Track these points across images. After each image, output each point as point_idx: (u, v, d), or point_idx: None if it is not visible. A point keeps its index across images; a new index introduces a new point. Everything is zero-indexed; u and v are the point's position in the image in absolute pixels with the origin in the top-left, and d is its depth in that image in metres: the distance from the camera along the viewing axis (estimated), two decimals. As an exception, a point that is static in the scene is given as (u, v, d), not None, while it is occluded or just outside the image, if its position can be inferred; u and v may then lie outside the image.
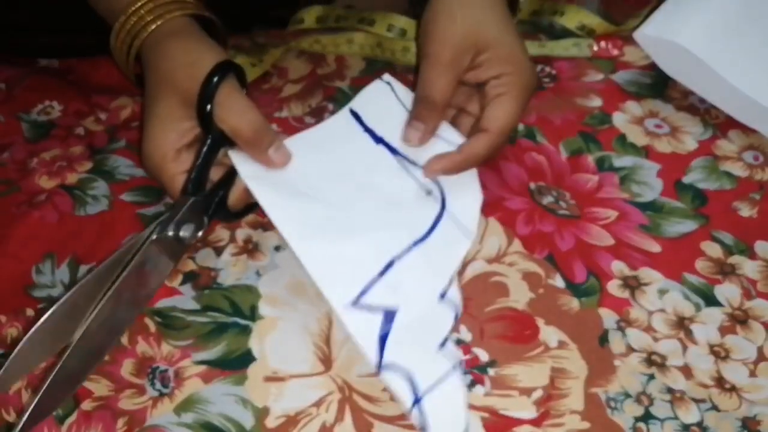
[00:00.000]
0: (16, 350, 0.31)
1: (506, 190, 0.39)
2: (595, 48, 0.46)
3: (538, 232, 0.38)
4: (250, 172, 0.35)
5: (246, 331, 0.34)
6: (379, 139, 0.37)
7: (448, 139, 0.37)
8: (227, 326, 0.34)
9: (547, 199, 0.39)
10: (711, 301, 0.35)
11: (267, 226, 0.38)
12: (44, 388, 0.29)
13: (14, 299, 0.36)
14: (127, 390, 0.33)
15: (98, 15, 0.39)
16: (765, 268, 0.36)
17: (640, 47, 0.45)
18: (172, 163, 0.35)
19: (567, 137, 0.42)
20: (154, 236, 0.33)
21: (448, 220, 0.35)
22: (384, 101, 0.38)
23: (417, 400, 0.30)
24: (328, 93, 0.45)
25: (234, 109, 0.34)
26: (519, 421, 0.31)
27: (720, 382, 0.32)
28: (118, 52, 0.38)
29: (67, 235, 0.38)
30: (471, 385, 0.32)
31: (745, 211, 0.39)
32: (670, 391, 0.32)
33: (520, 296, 0.35)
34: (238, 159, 0.35)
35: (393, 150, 0.37)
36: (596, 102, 0.44)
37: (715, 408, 0.32)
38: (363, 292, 0.33)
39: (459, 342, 0.34)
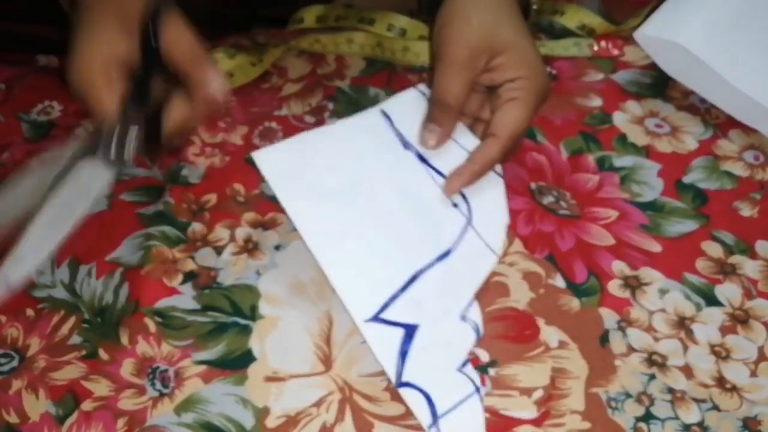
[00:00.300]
0: None
1: (507, 190, 0.39)
2: (596, 48, 0.46)
3: (538, 231, 0.37)
4: (273, 172, 0.34)
5: (246, 330, 0.34)
6: (408, 144, 0.36)
7: (465, 145, 0.36)
8: (227, 326, 0.34)
9: (548, 199, 0.39)
10: (712, 300, 0.35)
11: (267, 225, 0.38)
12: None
13: (14, 299, 0.35)
14: (127, 390, 0.33)
15: None
16: (766, 268, 0.36)
17: (640, 47, 0.45)
18: (103, 79, 0.32)
19: (567, 137, 0.42)
20: (86, 157, 0.32)
21: (473, 235, 0.35)
22: (416, 109, 0.37)
23: (435, 421, 0.30)
24: (328, 93, 0.45)
25: (179, 34, 0.33)
26: (520, 421, 0.31)
27: (721, 382, 0.32)
28: None
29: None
30: (471, 385, 0.32)
31: (746, 210, 0.38)
32: (670, 391, 0.32)
33: (520, 296, 0.35)
34: (263, 159, 0.34)
35: (421, 158, 0.36)
36: (596, 102, 0.44)
37: (715, 408, 0.32)
38: (385, 306, 0.32)
39: (459, 342, 0.34)
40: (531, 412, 0.31)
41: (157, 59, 0.33)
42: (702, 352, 0.33)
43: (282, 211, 0.38)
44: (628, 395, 0.32)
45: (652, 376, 0.33)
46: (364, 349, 0.33)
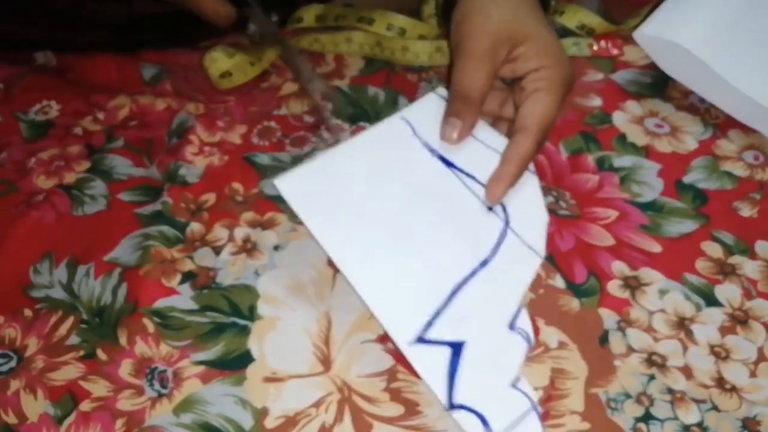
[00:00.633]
0: None
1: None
2: (595, 47, 0.46)
3: (538, 232, 0.37)
4: (299, 200, 0.33)
5: (245, 331, 0.34)
6: (433, 151, 0.35)
7: (492, 144, 0.35)
8: (226, 326, 0.34)
9: (548, 199, 0.39)
10: (711, 301, 0.35)
11: (266, 225, 0.38)
12: None
13: (12, 299, 0.36)
14: (125, 391, 0.32)
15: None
16: (765, 268, 0.36)
17: (640, 47, 0.45)
18: None
19: (567, 137, 0.42)
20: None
21: (512, 237, 0.34)
22: (437, 114, 0.35)
23: None
24: (328, 92, 0.45)
25: None
26: (519, 422, 0.31)
27: (720, 382, 0.32)
28: None
29: (65, 235, 0.38)
30: (471, 385, 0.32)
31: (746, 211, 0.38)
32: (670, 391, 0.32)
33: (520, 296, 0.35)
34: (286, 187, 0.33)
35: (448, 163, 0.35)
36: (596, 102, 0.43)
37: (715, 408, 0.32)
38: (428, 326, 0.31)
39: (459, 342, 0.33)
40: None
41: None
42: (702, 352, 0.33)
43: (281, 210, 0.38)
44: (627, 396, 0.32)
45: (652, 377, 0.32)
46: (363, 350, 0.33)
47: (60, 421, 0.32)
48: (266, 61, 0.46)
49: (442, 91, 0.36)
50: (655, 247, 0.37)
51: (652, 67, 0.45)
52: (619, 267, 0.36)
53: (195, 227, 0.38)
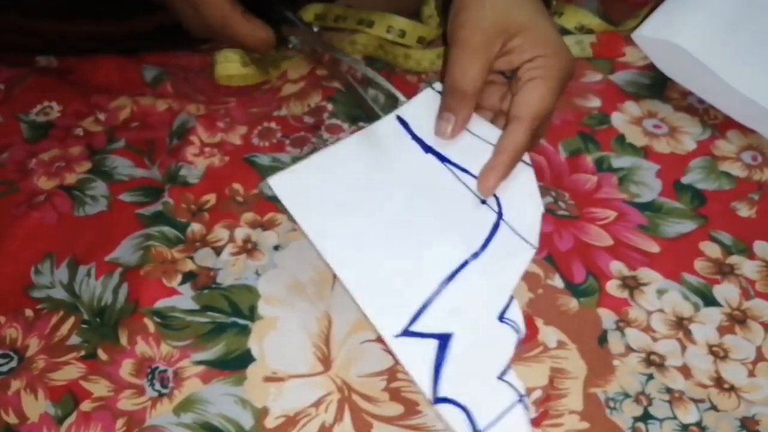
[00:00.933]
0: None
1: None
2: (595, 41, 0.46)
3: (537, 232, 0.38)
4: (291, 198, 0.33)
5: (245, 331, 0.34)
6: (428, 148, 0.35)
7: (488, 137, 0.35)
8: (226, 326, 0.34)
9: (546, 200, 0.39)
10: (710, 301, 0.35)
11: (266, 225, 0.38)
12: None
13: (13, 300, 0.36)
14: (126, 390, 0.33)
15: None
16: (764, 268, 0.36)
17: (638, 47, 0.45)
18: (237, 13, 0.40)
19: (566, 137, 0.42)
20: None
21: (505, 229, 0.33)
22: (433, 110, 0.35)
23: None
24: (327, 93, 0.45)
25: None
26: (518, 421, 0.31)
27: (719, 382, 0.33)
28: None
29: (66, 235, 0.38)
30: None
31: (744, 211, 0.39)
32: (669, 391, 0.32)
33: (519, 296, 0.35)
34: (279, 185, 0.34)
35: (443, 158, 0.35)
36: (595, 102, 0.44)
37: (713, 408, 0.32)
38: (415, 318, 0.31)
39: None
40: (529, 412, 0.31)
41: None
42: (700, 352, 0.33)
43: (281, 211, 0.39)
44: (626, 395, 0.32)
45: (651, 376, 0.33)
46: (363, 350, 0.33)
47: (61, 421, 0.32)
48: (273, 75, 0.46)
49: (438, 86, 0.36)
50: (654, 248, 0.37)
51: (651, 68, 0.45)
52: (617, 267, 0.36)
53: (195, 228, 0.38)
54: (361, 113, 0.44)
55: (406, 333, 0.31)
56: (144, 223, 0.39)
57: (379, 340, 0.33)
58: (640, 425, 0.31)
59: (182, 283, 0.36)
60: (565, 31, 0.47)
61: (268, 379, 0.33)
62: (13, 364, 0.34)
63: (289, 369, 0.33)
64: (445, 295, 0.32)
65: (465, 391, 0.30)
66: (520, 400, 0.30)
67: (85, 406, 0.32)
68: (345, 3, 0.49)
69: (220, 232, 0.38)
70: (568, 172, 0.40)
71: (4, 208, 0.39)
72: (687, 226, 0.38)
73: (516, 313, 0.32)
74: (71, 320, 0.35)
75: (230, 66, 0.45)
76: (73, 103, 0.45)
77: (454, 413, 0.29)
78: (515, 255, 0.33)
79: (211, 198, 0.40)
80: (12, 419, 0.32)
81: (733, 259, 0.37)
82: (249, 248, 0.37)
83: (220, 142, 0.42)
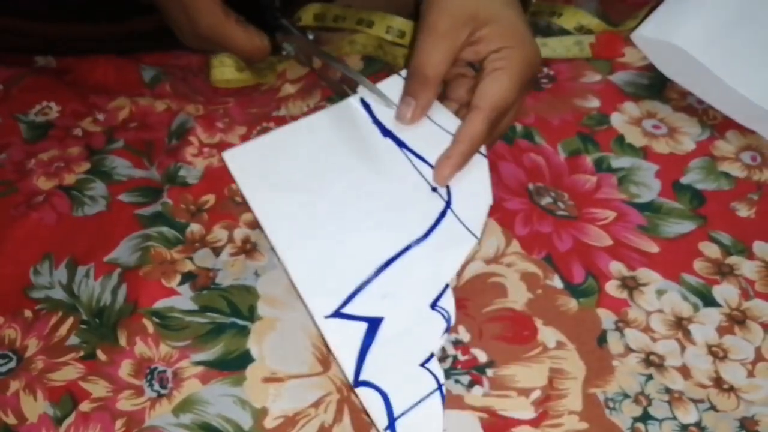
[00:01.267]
0: None
1: (505, 191, 0.39)
2: (594, 42, 0.46)
3: (536, 232, 0.38)
4: (241, 171, 0.34)
5: (244, 331, 0.34)
6: (386, 132, 0.35)
7: (448, 127, 0.35)
8: (225, 327, 0.34)
9: (546, 200, 0.39)
10: (709, 301, 0.35)
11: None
12: None
13: (12, 300, 0.36)
14: (125, 391, 0.33)
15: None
16: (763, 269, 0.36)
17: (637, 48, 0.45)
18: (231, 21, 0.38)
19: (565, 138, 0.42)
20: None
21: (451, 218, 0.34)
22: (397, 95, 0.35)
23: (391, 423, 0.29)
24: (326, 93, 0.45)
25: None
26: (517, 422, 0.31)
27: (718, 382, 0.33)
28: None
29: (65, 236, 0.38)
30: (469, 385, 0.32)
31: (743, 211, 0.39)
32: (668, 391, 0.32)
33: (518, 297, 0.35)
34: (232, 159, 0.34)
35: (400, 143, 0.35)
36: (594, 103, 0.44)
37: (713, 408, 0.32)
38: (347, 301, 0.31)
39: (457, 342, 0.34)
40: (529, 413, 0.31)
41: None
42: (699, 352, 0.33)
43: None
44: (625, 395, 0.32)
45: (650, 377, 0.33)
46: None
47: (60, 421, 0.32)
48: (270, 78, 0.46)
49: (405, 72, 0.36)
50: (653, 248, 0.37)
51: (650, 69, 0.45)
52: (617, 267, 0.36)
53: (195, 228, 0.38)
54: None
55: (337, 314, 0.31)
56: (143, 223, 0.39)
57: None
58: (640, 425, 0.31)
59: (181, 283, 0.36)
60: (564, 32, 0.47)
61: (268, 380, 0.33)
62: (12, 364, 0.34)
63: (289, 369, 0.33)
64: (381, 278, 0.32)
65: (387, 376, 0.30)
66: (438, 388, 0.30)
67: (84, 406, 0.32)
68: (344, 3, 0.49)
69: (219, 233, 0.38)
70: (567, 172, 0.40)
71: (3, 208, 0.39)
72: (686, 226, 0.38)
73: (449, 302, 0.32)
74: (70, 321, 0.35)
75: (226, 70, 0.45)
76: (72, 103, 0.45)
77: (373, 398, 0.29)
78: (457, 244, 0.33)
79: (210, 198, 0.40)
80: (11, 420, 0.32)
81: (733, 260, 0.37)
82: (248, 249, 0.37)
83: (219, 143, 0.42)
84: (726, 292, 0.35)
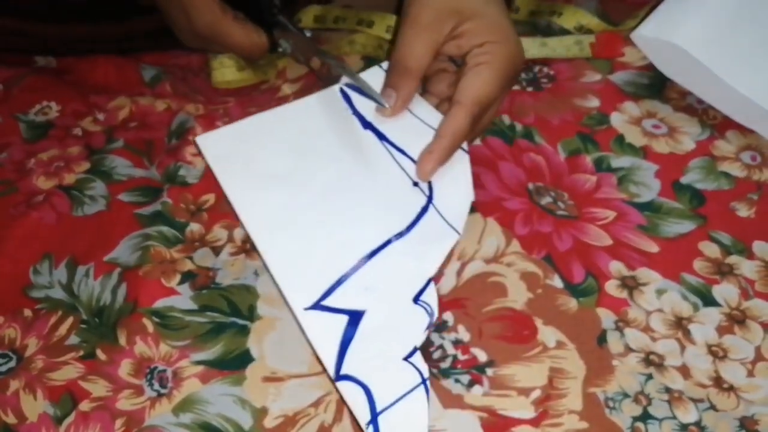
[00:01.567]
0: None
1: (504, 191, 0.39)
2: (594, 41, 0.46)
3: (536, 232, 0.38)
4: (215, 157, 0.33)
5: (244, 331, 0.34)
6: (367, 124, 0.35)
7: (430, 122, 0.34)
8: (225, 326, 0.34)
9: (546, 200, 0.39)
10: (709, 301, 0.35)
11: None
12: None
13: (12, 300, 0.36)
14: (125, 390, 0.33)
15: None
16: (763, 268, 0.36)
17: (637, 48, 0.45)
18: (228, 18, 0.38)
19: (565, 138, 0.42)
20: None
21: (433, 213, 0.33)
22: (378, 87, 0.35)
23: (373, 418, 0.29)
24: (327, 93, 0.45)
25: None
26: (517, 421, 0.31)
27: (718, 381, 0.33)
28: None
29: (65, 235, 0.38)
30: (469, 385, 0.32)
31: (743, 211, 0.39)
32: (668, 390, 0.32)
33: (518, 296, 0.35)
34: (206, 144, 0.33)
35: (381, 136, 0.34)
36: (594, 102, 0.44)
37: (713, 408, 0.32)
38: (328, 293, 0.31)
39: (457, 342, 0.34)
40: (529, 412, 0.31)
41: None
42: (699, 352, 0.33)
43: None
44: (625, 395, 0.32)
45: (650, 376, 0.33)
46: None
47: (59, 421, 0.32)
48: (271, 74, 0.47)
49: (386, 64, 0.36)
50: (653, 247, 0.37)
51: (650, 68, 0.45)
52: (616, 267, 0.36)
53: (194, 228, 0.38)
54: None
55: (317, 306, 0.30)
56: (143, 223, 0.39)
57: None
58: (640, 425, 0.31)
59: (181, 283, 0.36)
60: (564, 31, 0.47)
61: (267, 379, 0.33)
62: (12, 364, 0.34)
63: (289, 369, 0.33)
64: (363, 271, 0.31)
65: (369, 370, 0.29)
66: (423, 383, 0.29)
67: (84, 406, 0.32)
68: (344, 4, 0.49)
69: (219, 232, 0.38)
70: (567, 172, 0.40)
71: (3, 208, 0.39)
72: (686, 226, 0.38)
73: (431, 297, 0.32)
74: (70, 320, 0.35)
75: (227, 71, 0.45)
76: (72, 103, 0.45)
77: (354, 392, 0.29)
78: (439, 239, 0.33)
79: (210, 198, 0.40)
80: (11, 419, 0.32)
81: (732, 259, 0.37)
82: (248, 248, 0.37)
83: (219, 142, 0.42)
84: (726, 291, 0.35)
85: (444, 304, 0.35)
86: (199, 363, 0.33)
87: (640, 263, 0.36)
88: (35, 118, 0.44)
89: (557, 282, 0.36)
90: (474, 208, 0.38)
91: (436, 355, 0.33)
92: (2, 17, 0.46)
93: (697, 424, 0.31)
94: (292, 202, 0.33)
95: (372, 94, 0.35)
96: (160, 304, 0.35)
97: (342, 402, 0.32)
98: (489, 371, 0.33)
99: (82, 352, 0.34)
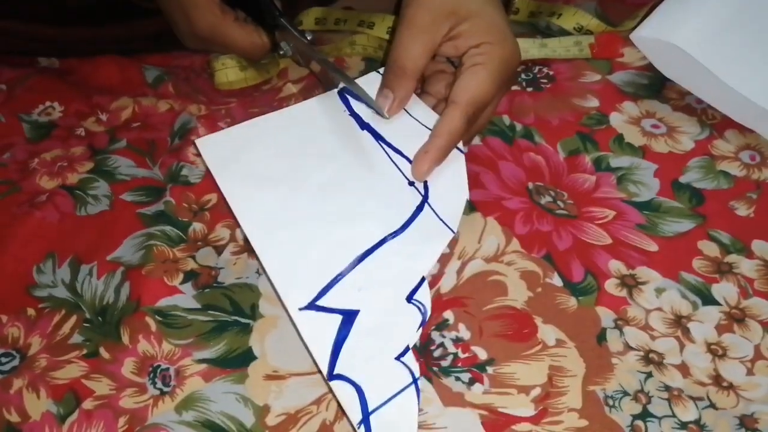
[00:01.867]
0: None
1: (504, 190, 0.39)
2: (593, 42, 0.46)
3: (536, 231, 0.38)
4: (214, 160, 0.33)
5: (246, 329, 0.34)
6: (364, 124, 0.35)
7: (426, 122, 0.35)
8: (228, 325, 0.35)
9: (545, 199, 0.39)
10: (708, 299, 0.35)
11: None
12: None
13: (15, 299, 0.36)
14: (128, 389, 0.33)
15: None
16: (762, 267, 0.36)
17: (636, 48, 0.45)
18: (229, 20, 0.38)
19: (564, 137, 0.42)
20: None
21: (428, 212, 0.34)
22: (375, 90, 0.36)
23: (365, 418, 0.29)
24: (328, 94, 0.45)
25: None
26: (517, 419, 0.31)
27: (717, 380, 0.33)
28: None
29: (68, 234, 0.38)
30: (470, 383, 0.32)
31: (742, 210, 0.39)
32: (667, 389, 0.32)
33: (518, 295, 0.35)
34: (206, 147, 0.34)
35: (378, 136, 0.35)
36: (593, 102, 0.44)
37: (712, 406, 0.32)
38: (323, 293, 0.31)
39: (458, 340, 0.34)
40: (529, 410, 0.32)
41: None
42: (698, 350, 0.34)
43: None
44: (625, 393, 0.32)
45: (649, 374, 0.33)
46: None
47: (63, 419, 0.32)
48: (273, 72, 0.47)
49: (384, 70, 0.36)
50: (652, 246, 0.37)
51: (649, 68, 0.45)
52: (616, 266, 0.36)
53: (197, 227, 0.39)
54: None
55: (312, 306, 0.31)
56: (145, 222, 0.39)
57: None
58: (639, 423, 0.31)
59: (184, 282, 0.36)
60: (563, 32, 0.47)
61: (270, 377, 0.33)
62: (15, 362, 0.34)
63: (290, 367, 0.33)
64: (357, 271, 0.31)
65: (361, 370, 0.30)
66: (414, 382, 0.30)
67: (87, 404, 0.32)
68: (345, 5, 0.49)
69: (222, 232, 0.38)
70: (566, 171, 0.41)
71: (7, 207, 0.40)
72: (685, 225, 0.38)
73: (425, 296, 0.32)
74: (73, 319, 0.35)
75: (229, 72, 0.45)
76: (75, 103, 0.45)
77: (346, 391, 0.29)
78: (434, 238, 0.33)
79: (212, 197, 0.40)
80: (14, 418, 0.32)
81: (732, 258, 0.37)
82: (250, 247, 0.37)
83: (221, 143, 0.43)
84: (725, 290, 0.36)
85: (444, 302, 0.35)
86: (201, 361, 0.33)
87: (640, 262, 0.37)
88: (38, 119, 0.45)
89: (557, 281, 0.36)
90: (474, 208, 0.38)
91: (437, 353, 0.33)
92: (5, 20, 0.46)
93: (697, 422, 0.31)
94: (288, 202, 0.33)
95: (370, 103, 0.36)
96: (163, 302, 0.35)
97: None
98: (489, 369, 0.33)
99: (85, 351, 0.34)
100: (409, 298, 0.32)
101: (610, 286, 0.36)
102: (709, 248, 0.37)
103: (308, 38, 0.40)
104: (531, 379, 0.32)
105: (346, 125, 0.35)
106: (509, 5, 0.43)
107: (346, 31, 0.48)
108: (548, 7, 0.48)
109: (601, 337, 0.34)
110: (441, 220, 0.34)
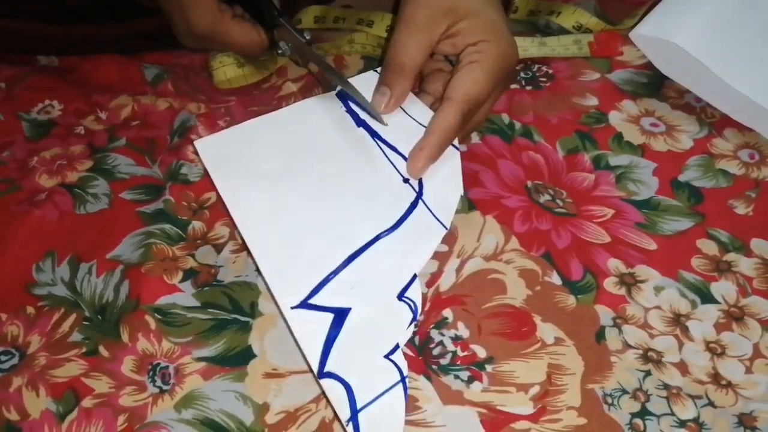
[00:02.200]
0: None
1: (503, 189, 0.39)
2: (593, 41, 0.46)
3: (535, 229, 0.38)
4: (213, 160, 0.34)
5: (246, 327, 0.34)
6: (360, 122, 0.35)
7: (422, 120, 0.35)
8: (227, 323, 0.35)
9: (544, 198, 0.39)
10: (707, 298, 0.35)
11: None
12: None
13: (15, 297, 0.36)
14: (127, 387, 0.33)
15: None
16: (760, 266, 0.36)
17: (636, 46, 0.45)
18: (226, 18, 0.38)
19: (563, 136, 0.42)
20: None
21: (422, 209, 0.34)
22: (372, 89, 0.36)
23: (354, 415, 0.29)
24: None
25: None
26: (516, 417, 0.31)
27: (716, 378, 0.33)
28: None
29: (68, 233, 0.38)
30: (469, 381, 0.33)
31: (741, 208, 0.39)
32: (666, 387, 0.32)
33: (517, 293, 0.35)
34: (204, 147, 0.34)
35: (374, 133, 0.35)
36: (592, 101, 0.44)
37: (711, 404, 0.32)
38: (315, 291, 0.31)
39: (457, 338, 0.34)
40: (527, 408, 0.32)
41: None
42: (697, 348, 0.34)
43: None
44: (624, 391, 0.32)
45: (648, 373, 0.33)
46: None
47: (62, 417, 0.32)
48: (272, 68, 0.47)
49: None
50: (651, 245, 0.37)
51: (648, 67, 0.45)
52: (615, 264, 0.36)
53: (196, 225, 0.39)
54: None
55: (304, 305, 0.31)
56: (145, 220, 0.39)
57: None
58: (638, 421, 0.31)
59: (183, 280, 0.36)
60: (563, 31, 0.47)
61: (269, 375, 0.33)
62: (15, 361, 0.34)
63: (290, 365, 0.33)
64: (350, 269, 0.32)
65: (351, 368, 0.30)
66: (402, 380, 0.30)
67: (87, 402, 0.32)
68: (344, 4, 0.49)
69: (221, 230, 0.38)
70: (565, 170, 0.41)
71: (6, 206, 0.40)
72: (684, 223, 0.38)
73: (416, 293, 0.32)
74: (72, 317, 0.35)
75: (228, 69, 0.45)
76: (74, 101, 0.45)
77: (336, 389, 0.29)
78: (427, 235, 0.33)
79: (211, 196, 0.40)
80: (13, 416, 0.32)
81: (731, 257, 0.37)
82: (249, 246, 0.38)
83: (220, 141, 0.43)
84: (724, 288, 0.36)
85: (444, 301, 0.35)
86: (201, 359, 0.33)
87: (639, 260, 0.37)
88: (38, 117, 0.44)
89: (556, 279, 0.36)
90: (473, 206, 0.38)
91: (436, 351, 0.33)
92: (5, 18, 0.46)
93: (696, 420, 0.31)
94: (283, 201, 0.33)
95: (366, 107, 0.36)
96: (162, 301, 0.35)
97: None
98: (488, 367, 0.33)
99: (84, 349, 0.34)
100: (401, 296, 0.32)
101: (609, 284, 0.36)
102: (708, 247, 0.37)
103: (306, 38, 0.40)
104: (530, 377, 0.32)
105: (342, 122, 0.35)
106: (509, 4, 0.43)
107: (345, 29, 0.48)
108: (548, 5, 0.48)
109: (600, 335, 0.34)
110: (434, 216, 0.34)
